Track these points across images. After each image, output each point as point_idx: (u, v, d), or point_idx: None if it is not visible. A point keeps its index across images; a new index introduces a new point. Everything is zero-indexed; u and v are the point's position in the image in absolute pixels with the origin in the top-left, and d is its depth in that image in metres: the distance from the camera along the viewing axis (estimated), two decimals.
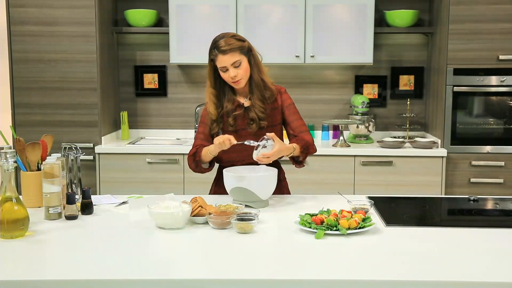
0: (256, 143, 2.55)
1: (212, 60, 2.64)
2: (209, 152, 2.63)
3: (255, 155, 2.52)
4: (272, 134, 2.54)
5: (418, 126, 4.79)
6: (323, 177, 4.24)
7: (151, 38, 4.80)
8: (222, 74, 2.64)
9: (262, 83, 2.70)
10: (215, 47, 2.60)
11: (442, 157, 4.20)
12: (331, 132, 4.80)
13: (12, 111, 4.31)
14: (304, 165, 2.76)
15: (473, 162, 4.24)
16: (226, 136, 2.53)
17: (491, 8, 4.11)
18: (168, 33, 4.48)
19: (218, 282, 1.71)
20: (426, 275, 1.72)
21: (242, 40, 2.65)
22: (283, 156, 2.67)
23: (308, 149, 2.68)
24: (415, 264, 1.81)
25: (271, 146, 2.51)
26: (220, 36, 2.63)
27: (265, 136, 2.54)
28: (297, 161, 2.72)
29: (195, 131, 4.72)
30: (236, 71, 2.60)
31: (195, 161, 2.69)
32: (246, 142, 2.57)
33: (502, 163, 4.23)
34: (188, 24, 4.41)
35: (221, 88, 2.71)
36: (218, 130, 2.71)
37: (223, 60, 2.58)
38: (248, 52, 2.65)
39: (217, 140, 2.55)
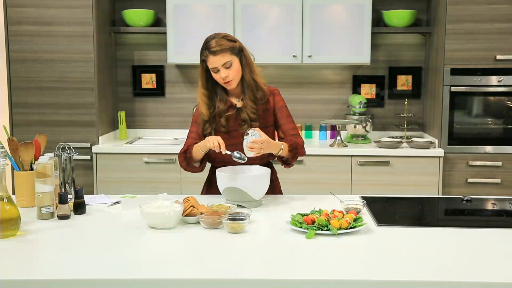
0: (242, 155, 2.54)
1: (203, 61, 2.64)
2: (199, 148, 2.61)
3: (245, 144, 2.49)
4: (257, 128, 2.54)
5: (416, 126, 4.78)
6: (320, 177, 4.24)
7: (148, 38, 4.80)
8: (214, 75, 2.64)
9: (254, 83, 2.69)
10: (206, 48, 2.60)
11: (439, 157, 4.19)
12: (328, 132, 4.80)
13: (9, 110, 4.33)
14: (292, 165, 2.76)
15: (470, 162, 4.24)
16: (217, 140, 2.51)
17: (488, 8, 4.11)
18: (165, 33, 4.48)
19: (208, 282, 1.71)
20: (415, 275, 1.72)
21: (233, 40, 2.64)
22: (274, 157, 2.68)
23: (296, 149, 2.67)
24: (405, 264, 1.81)
25: (258, 136, 2.49)
26: (211, 37, 2.62)
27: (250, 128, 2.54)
28: (285, 161, 2.72)
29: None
30: (227, 72, 2.60)
31: (186, 159, 2.67)
32: (235, 154, 2.55)
33: (500, 163, 4.23)
34: (185, 24, 4.41)
35: (213, 88, 2.71)
36: (210, 130, 2.71)
37: (214, 61, 2.58)
38: (240, 52, 2.64)
39: (207, 141, 2.54)
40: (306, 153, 4.16)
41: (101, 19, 4.41)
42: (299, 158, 4.10)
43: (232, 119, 2.69)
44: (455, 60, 4.18)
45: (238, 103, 2.71)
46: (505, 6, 4.10)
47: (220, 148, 2.50)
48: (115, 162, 4.30)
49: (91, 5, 4.21)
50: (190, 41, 4.42)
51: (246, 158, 2.54)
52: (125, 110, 4.83)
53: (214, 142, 2.51)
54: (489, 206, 2.70)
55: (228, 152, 2.53)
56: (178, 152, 2.73)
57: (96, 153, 4.29)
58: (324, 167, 4.27)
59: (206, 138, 2.60)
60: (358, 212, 2.33)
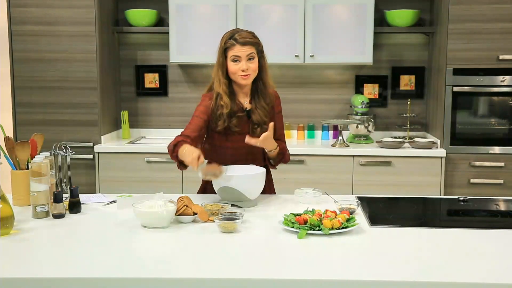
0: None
1: (225, 50, 2.61)
2: (183, 154, 2.47)
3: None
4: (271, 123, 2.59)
5: (419, 126, 4.76)
6: (321, 177, 4.23)
7: (151, 38, 4.82)
8: (231, 65, 2.60)
9: (267, 86, 2.71)
10: (232, 38, 2.60)
11: (441, 157, 4.17)
12: (331, 132, 4.79)
13: (13, 110, 4.35)
14: (276, 168, 2.83)
15: (473, 163, 4.21)
16: (196, 154, 2.40)
17: (491, 7, 4.08)
18: (168, 32, 4.49)
19: (199, 281, 1.71)
20: (405, 276, 1.72)
21: (258, 38, 2.68)
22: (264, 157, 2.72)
23: (283, 154, 2.75)
24: (396, 265, 1.81)
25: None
26: (237, 30, 2.65)
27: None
28: (272, 163, 2.78)
29: None
30: (248, 65, 2.59)
31: (173, 155, 2.59)
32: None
33: (502, 164, 4.20)
34: (188, 23, 4.42)
35: (229, 83, 2.69)
36: (222, 128, 2.66)
37: (239, 50, 2.57)
38: (260, 52, 2.66)
39: (187, 155, 2.43)
40: (308, 153, 4.26)
41: (104, 19, 4.43)
42: (299, 158, 4.17)
43: (243, 122, 2.69)
44: (458, 60, 4.15)
45: (247, 105, 2.71)
46: (508, 6, 4.07)
47: (195, 163, 2.38)
48: (117, 162, 4.32)
49: (94, 5, 4.23)
50: (193, 41, 4.43)
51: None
52: (128, 110, 4.84)
53: (193, 155, 2.38)
54: (485, 207, 2.68)
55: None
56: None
57: (98, 153, 4.31)
58: (326, 167, 4.26)
59: (191, 149, 2.45)
60: (352, 212, 2.33)
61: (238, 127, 2.67)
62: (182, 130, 4.80)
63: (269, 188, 2.82)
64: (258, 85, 2.69)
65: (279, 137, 2.79)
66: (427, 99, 4.73)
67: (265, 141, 2.53)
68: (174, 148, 2.59)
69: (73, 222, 2.30)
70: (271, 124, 2.56)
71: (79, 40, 4.26)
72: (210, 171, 2.44)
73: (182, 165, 2.59)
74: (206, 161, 2.48)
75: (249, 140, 2.52)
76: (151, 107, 4.91)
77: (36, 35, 4.27)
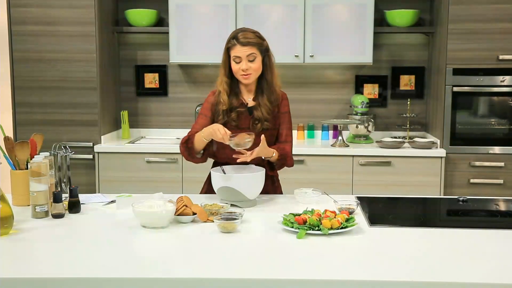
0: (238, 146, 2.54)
1: (228, 49, 2.65)
2: (202, 137, 2.58)
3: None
4: (262, 136, 2.56)
5: (419, 126, 4.76)
6: (321, 177, 4.23)
7: (151, 38, 4.82)
8: (233, 65, 2.64)
9: (273, 85, 2.72)
10: (235, 37, 2.62)
11: (441, 157, 4.17)
12: (331, 132, 4.79)
13: (13, 110, 4.35)
14: (274, 173, 2.80)
15: (473, 163, 4.21)
16: (223, 129, 2.50)
17: (491, 7, 4.08)
18: (168, 32, 4.49)
19: (198, 281, 1.71)
20: (404, 276, 1.71)
21: (262, 38, 2.69)
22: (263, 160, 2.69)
23: (285, 159, 2.73)
24: (394, 265, 1.81)
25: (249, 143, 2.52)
26: (242, 29, 2.67)
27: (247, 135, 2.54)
28: (271, 167, 2.74)
29: None
30: (248, 65, 2.61)
31: (187, 149, 2.65)
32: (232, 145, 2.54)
33: (502, 164, 4.20)
34: (188, 24, 4.43)
35: (232, 80, 2.72)
36: (223, 122, 2.67)
37: (239, 50, 2.60)
38: (265, 52, 2.67)
39: (213, 133, 2.51)
40: (308, 153, 4.25)
41: (104, 19, 4.43)
42: (299, 158, 4.17)
43: (243, 117, 2.70)
44: (458, 60, 4.15)
45: (250, 102, 2.72)
46: (508, 5, 4.07)
47: (226, 138, 2.49)
48: (117, 162, 4.32)
49: (94, 5, 4.23)
50: (193, 41, 4.43)
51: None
52: (128, 110, 4.84)
53: (220, 130, 2.49)
54: (485, 207, 2.68)
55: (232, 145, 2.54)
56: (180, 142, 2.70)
57: (98, 152, 4.31)
58: (326, 167, 4.26)
59: (211, 126, 2.55)
60: (351, 213, 2.33)
61: (236, 121, 2.69)
62: (182, 129, 4.88)
63: (273, 189, 2.82)
64: (262, 83, 2.71)
65: (285, 139, 2.79)
66: (427, 99, 4.73)
67: (258, 153, 2.54)
68: (187, 143, 2.64)
69: (73, 222, 2.30)
70: (263, 137, 2.56)
71: (79, 40, 4.27)
72: (242, 140, 2.50)
73: (197, 158, 2.68)
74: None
75: (236, 156, 2.53)
76: (151, 107, 4.91)
77: (36, 35, 4.27)
